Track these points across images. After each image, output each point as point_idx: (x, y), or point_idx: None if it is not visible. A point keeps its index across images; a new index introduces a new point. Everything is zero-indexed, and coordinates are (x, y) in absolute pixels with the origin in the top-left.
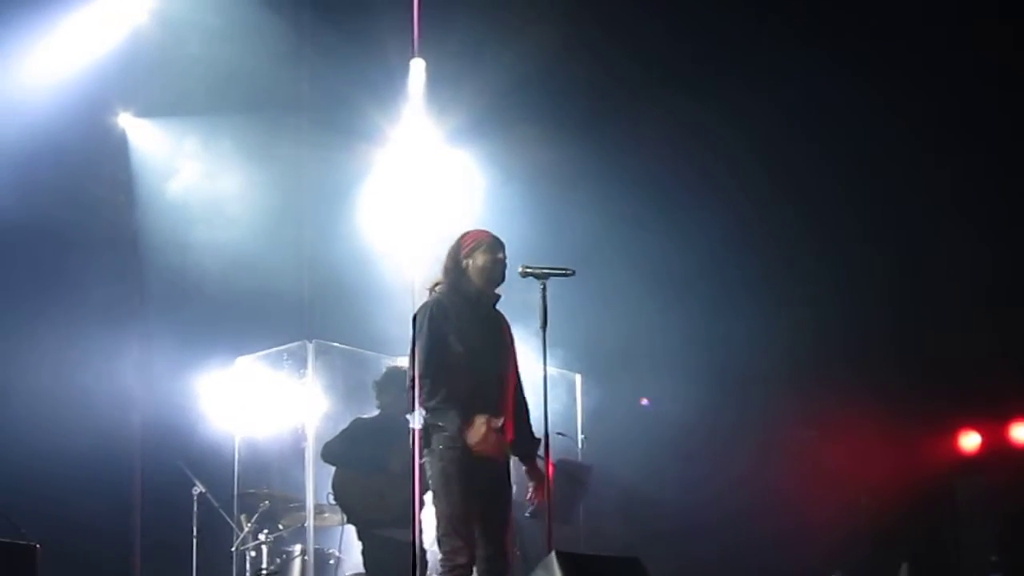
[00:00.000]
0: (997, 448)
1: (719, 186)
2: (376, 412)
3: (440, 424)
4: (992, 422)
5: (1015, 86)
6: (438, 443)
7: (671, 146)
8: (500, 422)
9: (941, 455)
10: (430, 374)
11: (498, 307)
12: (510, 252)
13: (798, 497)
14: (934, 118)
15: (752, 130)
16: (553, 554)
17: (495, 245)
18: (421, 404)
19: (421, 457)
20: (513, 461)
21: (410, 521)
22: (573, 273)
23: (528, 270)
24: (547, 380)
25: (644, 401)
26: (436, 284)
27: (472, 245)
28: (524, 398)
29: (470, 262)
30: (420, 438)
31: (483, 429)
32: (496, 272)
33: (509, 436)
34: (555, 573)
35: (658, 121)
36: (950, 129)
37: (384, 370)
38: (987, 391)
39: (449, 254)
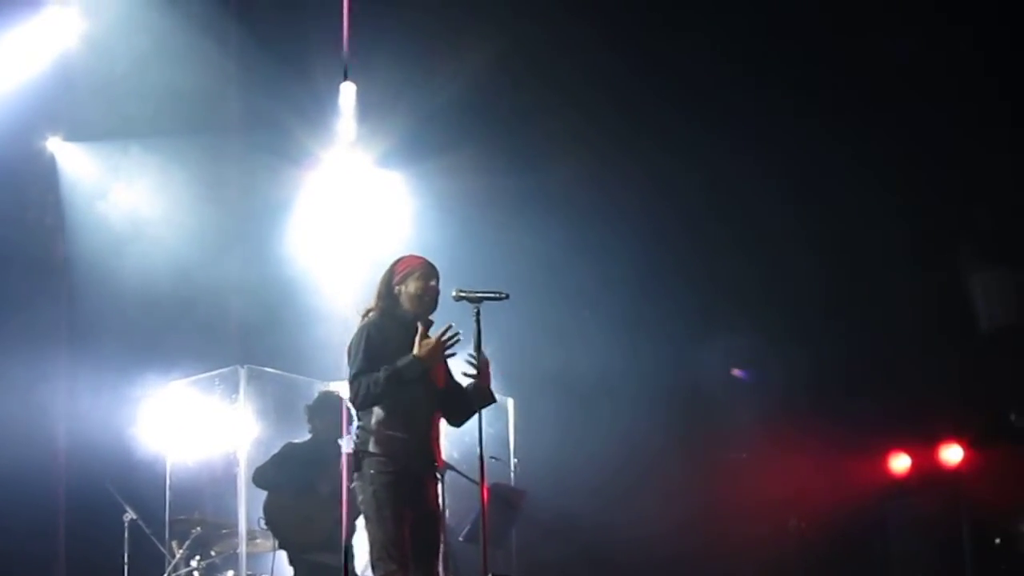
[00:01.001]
0: (926, 470)
1: (654, 211)
2: (308, 436)
3: (371, 449)
4: (921, 444)
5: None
6: (369, 467)
7: (608, 171)
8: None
9: (871, 477)
10: (359, 389)
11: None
12: (443, 276)
13: (730, 519)
14: (882, 147)
15: (691, 156)
16: None
17: (428, 272)
18: (356, 426)
19: (351, 482)
20: (448, 485)
21: (341, 545)
22: (507, 297)
23: (462, 294)
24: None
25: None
26: (369, 310)
27: (405, 271)
28: (458, 384)
29: (403, 288)
30: (351, 462)
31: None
32: (428, 299)
33: (439, 460)
34: None
35: (596, 146)
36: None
37: (316, 394)
38: (916, 413)
39: (382, 279)
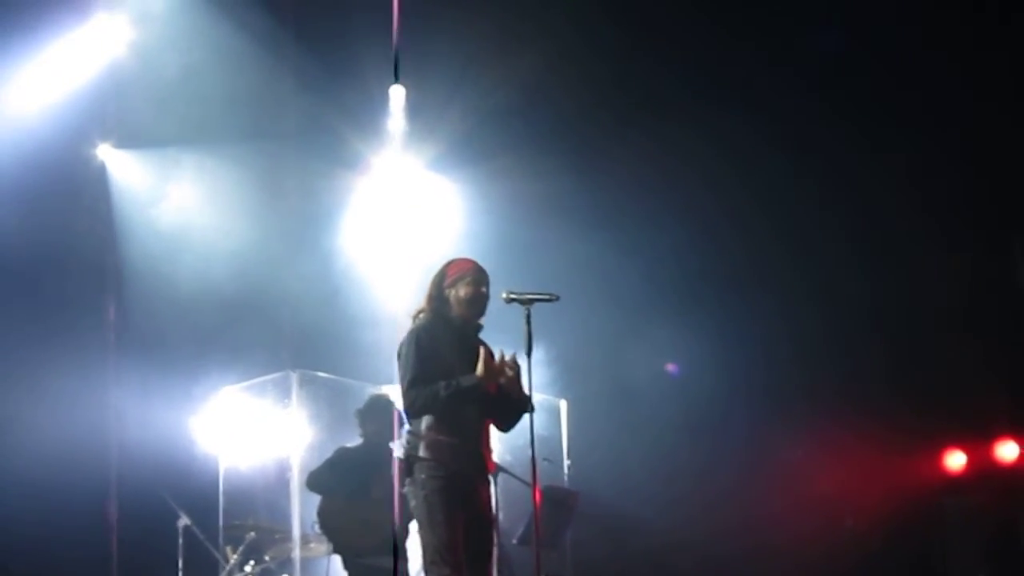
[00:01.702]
0: (982, 467)
1: (701, 211)
2: (360, 441)
3: (421, 454)
4: (977, 441)
5: (996, 99)
6: (420, 472)
7: (652, 171)
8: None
9: (927, 475)
10: (416, 400)
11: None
12: (492, 278)
13: (784, 519)
14: (933, 136)
15: (733, 153)
16: None
17: (480, 277)
18: (406, 431)
19: (403, 487)
20: (500, 489)
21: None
22: (558, 298)
23: (512, 296)
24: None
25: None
26: (419, 312)
27: (456, 275)
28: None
29: (453, 292)
30: (402, 468)
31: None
32: (479, 304)
33: (490, 465)
34: None
35: (640, 146)
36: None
37: (367, 398)
38: (972, 410)
39: (433, 282)
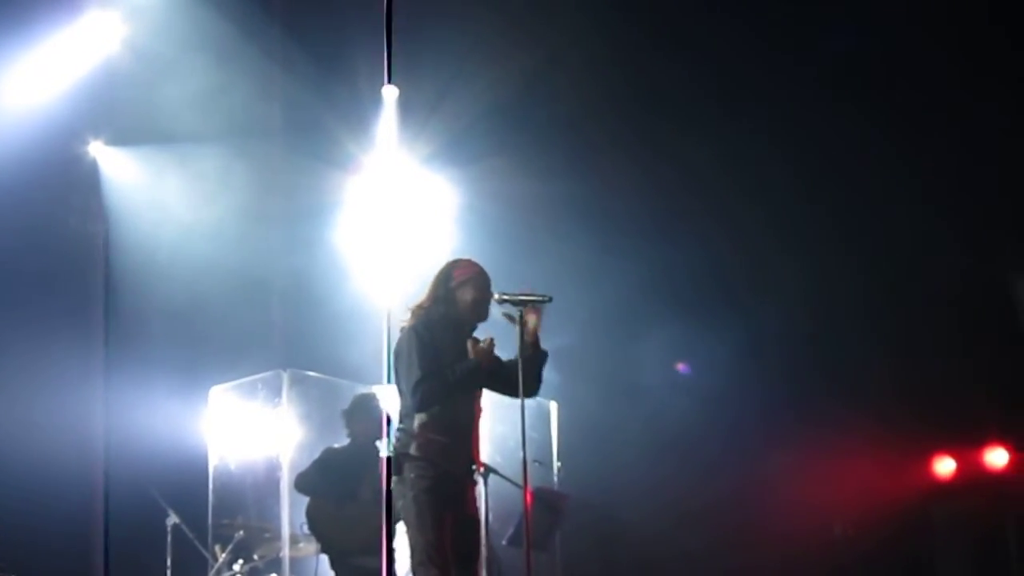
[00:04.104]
0: (972, 473)
1: (697, 211)
2: (347, 441)
3: (411, 452)
4: (967, 447)
5: (990, 96)
6: (409, 471)
7: (647, 178)
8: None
9: (916, 481)
10: (426, 394)
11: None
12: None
13: (774, 524)
14: (931, 145)
15: (733, 160)
16: None
17: (486, 283)
18: (397, 428)
19: (390, 484)
20: (491, 489)
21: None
22: (550, 300)
23: (504, 297)
24: (524, 408)
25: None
26: (419, 306)
27: (463, 278)
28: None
29: (459, 293)
30: (390, 466)
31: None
32: (483, 309)
33: (479, 463)
34: None
35: (635, 153)
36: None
37: (352, 398)
38: (962, 416)
39: (438, 280)
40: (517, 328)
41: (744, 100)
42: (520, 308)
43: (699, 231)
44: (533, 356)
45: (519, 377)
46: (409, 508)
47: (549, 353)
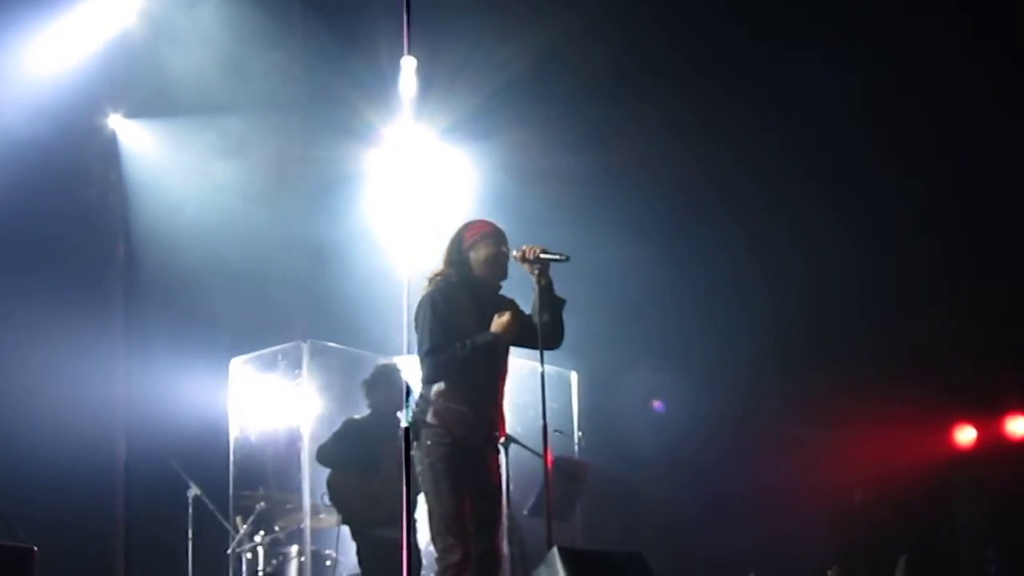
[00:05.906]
0: (992, 442)
1: (716, 185)
2: (368, 412)
3: (428, 420)
4: (987, 416)
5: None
6: (426, 438)
7: (668, 147)
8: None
9: (937, 449)
10: (435, 367)
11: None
12: None
13: (794, 492)
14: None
15: (738, 134)
16: (555, 550)
17: (499, 237)
18: (418, 396)
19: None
20: (512, 459)
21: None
22: (568, 259)
23: (523, 255)
24: (544, 377)
25: (657, 404)
26: (436, 274)
27: (475, 237)
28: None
29: (473, 254)
30: (409, 434)
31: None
32: (500, 264)
33: (502, 431)
34: (558, 569)
35: (654, 120)
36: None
37: (373, 369)
38: (982, 385)
39: (451, 243)
40: (535, 287)
41: (761, 87)
42: (537, 266)
43: (720, 201)
44: (551, 307)
45: (538, 333)
46: (426, 475)
47: (569, 322)
